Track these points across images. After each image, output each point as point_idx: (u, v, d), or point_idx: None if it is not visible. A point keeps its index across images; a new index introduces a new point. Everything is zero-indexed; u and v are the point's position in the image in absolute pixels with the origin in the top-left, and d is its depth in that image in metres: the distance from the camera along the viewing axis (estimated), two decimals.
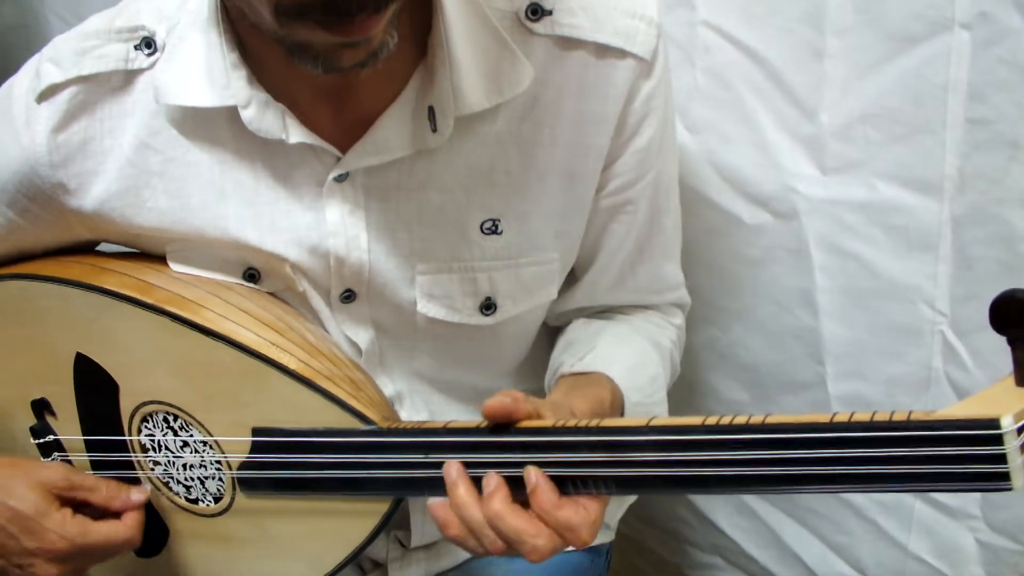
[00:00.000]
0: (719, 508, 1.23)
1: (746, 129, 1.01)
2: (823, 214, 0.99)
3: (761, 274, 1.06)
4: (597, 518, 0.64)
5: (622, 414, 0.80)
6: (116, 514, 0.81)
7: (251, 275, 0.82)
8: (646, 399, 0.83)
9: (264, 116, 0.73)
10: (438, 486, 0.69)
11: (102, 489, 0.80)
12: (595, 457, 0.63)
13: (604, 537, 1.05)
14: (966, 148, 0.87)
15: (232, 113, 0.74)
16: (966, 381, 0.94)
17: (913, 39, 0.87)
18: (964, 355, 0.93)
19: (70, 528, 0.77)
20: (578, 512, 0.63)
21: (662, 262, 0.91)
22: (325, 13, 0.59)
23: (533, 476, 0.64)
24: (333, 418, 0.73)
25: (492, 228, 0.80)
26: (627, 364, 0.83)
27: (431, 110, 0.73)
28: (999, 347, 0.57)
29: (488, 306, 0.83)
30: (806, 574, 1.13)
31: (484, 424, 0.67)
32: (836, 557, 1.10)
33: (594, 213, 0.84)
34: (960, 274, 0.91)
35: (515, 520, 0.63)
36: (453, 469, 0.66)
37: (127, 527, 0.79)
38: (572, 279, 0.90)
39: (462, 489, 0.66)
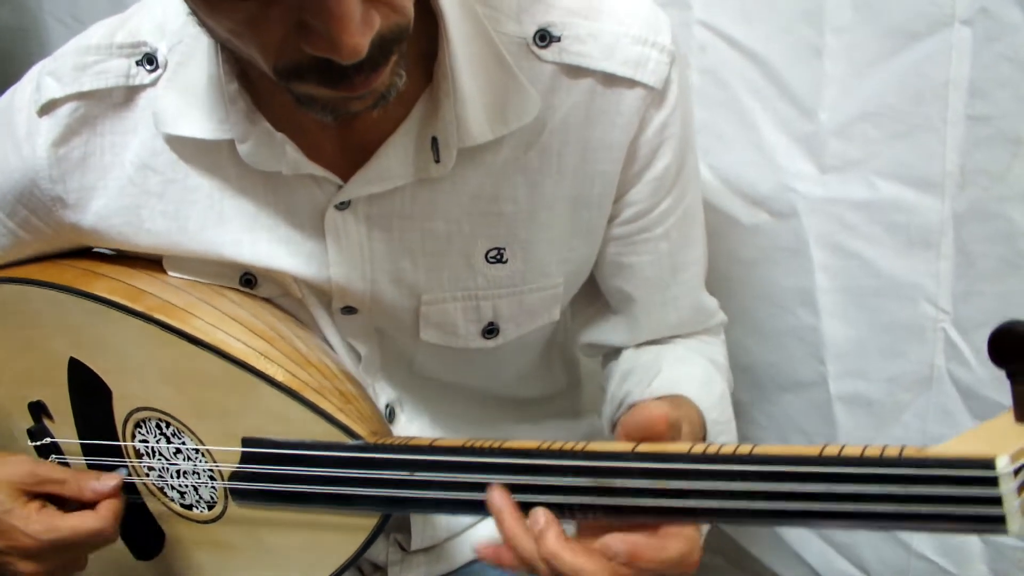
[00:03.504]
0: None
1: (744, 129, 1.00)
2: (823, 213, 0.98)
3: (760, 274, 1.05)
4: (692, 537, 0.59)
5: (705, 434, 0.78)
6: (91, 503, 0.79)
7: (247, 280, 0.82)
8: (720, 417, 0.81)
9: (262, 150, 0.72)
10: (423, 504, 0.68)
11: (71, 481, 0.79)
12: (580, 483, 0.62)
13: None
14: (967, 145, 0.86)
15: (231, 142, 0.73)
16: (969, 378, 0.93)
17: (913, 36, 0.87)
18: (967, 352, 0.93)
19: (34, 524, 0.76)
20: (678, 541, 0.59)
21: (700, 293, 0.89)
22: (322, 75, 0.58)
23: (619, 546, 0.58)
24: (320, 431, 0.72)
25: (497, 257, 0.79)
26: (698, 383, 0.81)
27: (434, 140, 0.72)
28: None
29: (490, 330, 0.83)
30: (809, 574, 1.13)
31: (470, 443, 0.67)
32: (839, 556, 1.09)
33: (613, 243, 0.83)
34: (962, 271, 0.91)
35: (574, 558, 0.59)
36: (496, 496, 0.63)
37: (98, 517, 0.77)
38: (611, 315, 0.89)
39: (509, 518, 0.62)
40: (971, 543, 0.98)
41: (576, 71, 0.74)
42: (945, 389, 0.95)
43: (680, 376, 0.81)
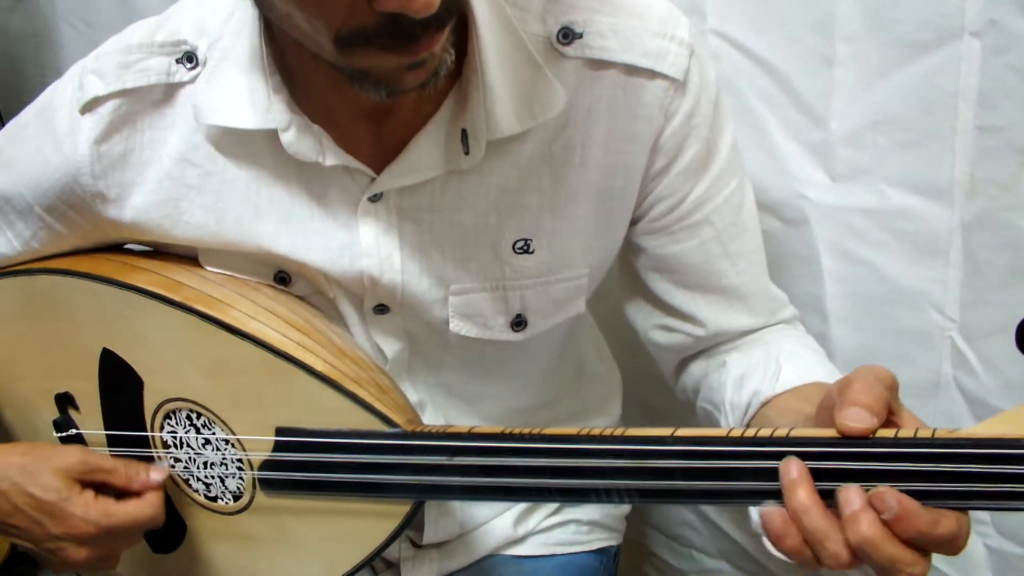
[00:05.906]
0: (725, 513, 1.23)
1: (755, 136, 1.01)
2: (833, 220, 0.99)
3: (771, 280, 1.06)
4: (966, 523, 0.57)
5: None
6: (136, 492, 0.81)
7: (282, 278, 0.83)
8: None
9: (302, 139, 0.74)
10: (460, 491, 0.69)
11: (120, 470, 0.80)
12: (619, 464, 0.63)
13: (612, 539, 1.06)
14: (976, 154, 0.88)
15: (271, 134, 0.75)
16: (975, 386, 0.94)
17: (923, 46, 0.88)
18: (973, 361, 0.94)
19: (93, 512, 0.77)
20: (951, 521, 0.56)
21: (766, 282, 0.89)
22: (389, 37, 0.60)
23: (893, 500, 0.56)
24: (358, 420, 0.73)
25: (524, 248, 0.81)
26: (825, 371, 0.80)
27: (464, 132, 0.74)
28: (1008, 353, 0.57)
29: (519, 323, 0.84)
30: None
31: (508, 430, 0.68)
32: None
33: (652, 237, 0.84)
34: (970, 280, 0.92)
35: (892, 548, 0.56)
36: (793, 468, 0.59)
37: (149, 505, 0.80)
38: (683, 317, 0.87)
39: (803, 493, 0.58)
40: (976, 551, 0.99)
41: (598, 64, 0.76)
42: (952, 396, 0.97)
43: (804, 367, 0.80)
